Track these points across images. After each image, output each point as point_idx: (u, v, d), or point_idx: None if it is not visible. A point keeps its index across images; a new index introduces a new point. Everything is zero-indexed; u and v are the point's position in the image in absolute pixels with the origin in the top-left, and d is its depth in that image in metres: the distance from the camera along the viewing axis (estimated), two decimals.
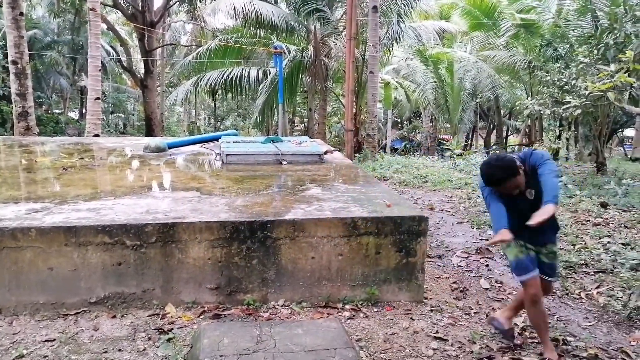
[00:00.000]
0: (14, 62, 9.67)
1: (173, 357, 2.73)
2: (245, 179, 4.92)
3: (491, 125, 25.41)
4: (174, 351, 2.79)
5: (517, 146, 20.62)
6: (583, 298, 3.84)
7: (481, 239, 5.36)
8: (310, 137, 9.06)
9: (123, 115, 31.48)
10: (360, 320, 3.31)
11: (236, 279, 3.43)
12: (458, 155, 12.16)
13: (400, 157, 13.09)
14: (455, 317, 3.42)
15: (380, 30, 13.12)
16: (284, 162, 5.77)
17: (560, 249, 4.92)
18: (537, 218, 2.57)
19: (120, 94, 28.88)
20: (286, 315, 3.31)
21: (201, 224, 3.34)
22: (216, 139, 7.27)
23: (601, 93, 6.03)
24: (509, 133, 28.50)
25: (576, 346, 3.05)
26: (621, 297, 3.77)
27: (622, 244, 5.03)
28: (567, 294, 3.92)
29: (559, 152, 16.65)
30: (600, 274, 4.28)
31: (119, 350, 2.81)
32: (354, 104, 12.64)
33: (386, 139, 26.18)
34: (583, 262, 4.53)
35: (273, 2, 15.82)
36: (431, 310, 3.51)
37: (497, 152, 17.57)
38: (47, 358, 2.70)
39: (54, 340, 2.88)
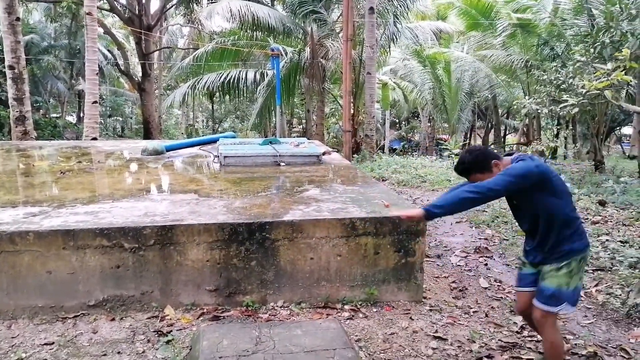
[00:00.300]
0: (11, 67, 9.67)
1: (172, 359, 2.72)
2: (243, 180, 4.92)
3: (489, 125, 25.44)
4: (173, 353, 2.79)
5: (515, 145, 20.64)
6: (582, 296, 3.84)
7: (480, 239, 5.36)
8: (308, 139, 9.07)
9: (121, 119, 31.45)
10: (359, 320, 3.31)
11: (235, 280, 3.43)
12: (456, 154, 12.15)
13: (398, 157, 13.11)
14: (454, 316, 3.42)
15: (377, 31, 13.13)
16: (282, 164, 5.77)
17: None
18: (400, 211, 2.70)
19: (118, 97, 28.86)
20: (285, 316, 3.31)
21: (199, 226, 3.34)
22: (214, 141, 7.28)
23: (598, 91, 6.03)
24: (507, 132, 28.55)
25: (575, 344, 3.06)
26: (620, 295, 3.77)
27: (621, 241, 5.04)
28: None
29: (557, 150, 16.69)
30: (599, 272, 4.29)
31: (118, 353, 2.81)
32: (352, 105, 12.65)
33: (384, 140, 26.19)
34: None
35: (269, 5, 15.84)
36: (430, 310, 3.51)
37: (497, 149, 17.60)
38: None
39: (53, 343, 2.88)
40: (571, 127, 15.53)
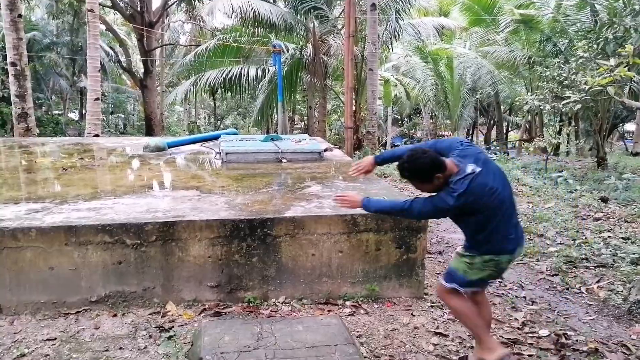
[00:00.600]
0: (13, 64, 9.68)
1: (174, 355, 2.73)
2: (245, 177, 4.92)
3: (491, 121, 25.38)
4: (175, 349, 2.80)
5: (517, 142, 20.59)
6: (583, 292, 3.85)
7: None
8: (310, 135, 9.06)
9: (123, 116, 31.48)
10: (360, 316, 3.31)
11: (236, 276, 3.44)
12: None
13: None
14: None
15: (379, 27, 13.10)
16: (284, 160, 5.77)
17: (561, 243, 4.93)
18: (343, 196, 2.73)
19: (120, 94, 28.87)
20: (287, 313, 3.32)
21: (201, 223, 3.35)
22: (216, 137, 7.27)
23: (601, 88, 6.01)
24: (510, 129, 28.46)
25: (577, 340, 3.06)
26: (621, 291, 3.77)
27: (623, 238, 5.03)
28: (567, 289, 3.92)
29: (559, 147, 16.65)
30: (601, 268, 4.28)
31: (120, 348, 2.82)
32: (354, 101, 12.63)
33: (386, 136, 26.16)
34: (583, 256, 4.53)
35: (271, 1, 15.79)
36: (432, 306, 3.51)
37: (499, 147, 17.56)
38: (48, 357, 2.71)
39: (55, 339, 2.89)
40: (574, 124, 15.45)
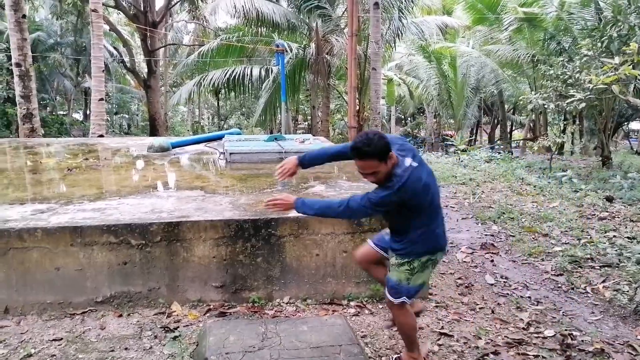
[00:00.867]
0: (18, 65, 9.71)
1: (179, 355, 2.74)
2: (249, 177, 4.93)
3: (495, 121, 25.31)
4: (180, 349, 2.80)
5: (521, 141, 20.52)
6: (589, 292, 3.83)
7: (486, 235, 5.35)
8: (313, 135, 9.06)
9: (127, 116, 31.58)
10: (365, 316, 3.32)
11: (241, 277, 3.44)
12: (462, 150, 12.12)
13: None
14: (460, 312, 3.42)
15: (382, 26, 13.07)
16: None
17: (565, 243, 4.91)
18: (274, 199, 2.57)
19: (124, 94, 28.95)
20: (291, 313, 3.32)
21: (206, 223, 3.35)
22: (220, 137, 7.29)
23: (605, 86, 5.98)
24: (514, 128, 28.39)
25: (582, 340, 3.05)
26: (627, 291, 3.75)
27: (628, 237, 5.01)
28: (572, 289, 3.91)
29: (563, 146, 16.58)
30: (606, 268, 4.26)
31: (126, 348, 2.83)
32: (357, 100, 12.62)
33: None
34: (589, 256, 4.52)
35: (274, 0, 15.78)
36: (436, 306, 3.51)
37: (502, 146, 17.49)
38: (54, 357, 2.73)
39: (62, 339, 2.91)
40: (578, 123, 15.41)
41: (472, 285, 3.96)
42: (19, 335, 2.95)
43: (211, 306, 3.35)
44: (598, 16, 11.01)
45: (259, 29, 15.34)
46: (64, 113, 26.63)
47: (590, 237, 5.03)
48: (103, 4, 13.15)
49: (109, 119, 24.49)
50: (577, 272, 4.23)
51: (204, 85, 15.83)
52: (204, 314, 3.26)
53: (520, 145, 20.49)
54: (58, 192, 4.35)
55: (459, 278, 4.10)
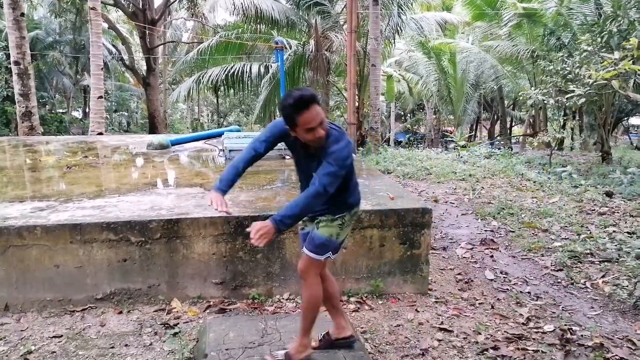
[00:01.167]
0: (17, 63, 9.70)
1: (179, 352, 2.75)
2: (248, 174, 4.89)
3: (495, 116, 25.28)
4: (180, 345, 2.81)
5: (521, 137, 20.51)
6: (588, 287, 3.83)
7: (486, 230, 5.35)
8: None
9: (126, 114, 31.55)
10: (365, 312, 3.32)
11: (241, 273, 3.45)
12: (462, 146, 12.11)
13: (403, 150, 13.06)
14: (460, 308, 3.42)
15: (381, 22, 13.04)
16: (287, 157, 5.77)
17: (565, 238, 4.91)
18: (252, 230, 2.24)
19: (123, 92, 28.93)
20: (291, 309, 3.32)
21: (205, 220, 3.36)
22: (219, 135, 7.28)
23: (605, 81, 5.97)
24: (513, 123, 28.36)
25: (582, 335, 3.05)
26: (627, 286, 3.75)
27: (628, 232, 5.01)
28: (572, 284, 3.91)
29: (563, 141, 16.56)
30: (606, 263, 4.26)
31: (126, 345, 2.83)
32: (357, 97, 12.60)
33: (389, 132, 26.11)
34: (588, 251, 4.52)
35: None
36: (436, 302, 3.51)
37: (502, 142, 17.44)
38: (54, 354, 2.73)
39: (62, 336, 2.91)
40: (578, 118, 15.39)
41: (472, 280, 3.96)
42: (19, 332, 2.95)
43: (211, 303, 3.36)
44: (598, 11, 10.98)
45: (258, 26, 15.31)
46: (63, 111, 26.60)
47: (590, 233, 5.03)
48: (102, 2, 13.12)
49: (108, 116, 24.45)
50: (576, 267, 4.23)
51: (203, 82, 15.81)
52: (204, 311, 3.26)
53: (520, 141, 20.49)
54: (57, 189, 4.35)
55: (459, 274, 4.10)
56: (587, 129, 16.32)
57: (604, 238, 4.81)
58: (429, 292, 3.65)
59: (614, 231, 5.05)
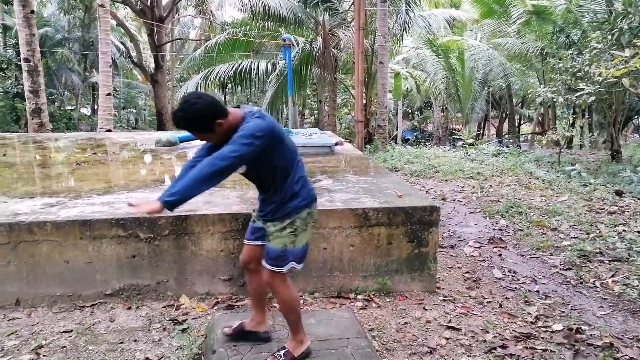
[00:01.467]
0: (27, 60, 9.78)
1: (188, 347, 2.76)
2: None
3: (503, 114, 25.13)
4: (189, 341, 2.82)
5: (530, 135, 20.37)
6: (598, 287, 3.81)
7: (494, 229, 5.32)
8: (320, 129, 9.05)
9: (134, 111, 31.73)
10: (372, 310, 3.32)
11: None
12: (470, 144, 12.05)
13: (411, 147, 13.02)
14: (468, 306, 3.41)
15: (389, 19, 13.00)
16: None
17: (574, 237, 4.88)
18: (134, 207, 2.13)
19: (131, 89, 29.08)
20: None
21: (213, 216, 3.37)
22: None
23: (615, 79, 5.93)
24: (522, 122, 28.17)
25: (591, 335, 3.03)
26: (637, 286, 3.72)
27: (638, 232, 4.96)
28: (581, 283, 3.88)
29: (572, 140, 16.43)
30: (616, 262, 4.23)
31: (135, 340, 2.86)
32: (364, 95, 12.58)
33: (397, 130, 26.04)
34: (598, 250, 4.48)
35: None
36: (444, 300, 3.50)
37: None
38: (65, 348, 2.76)
39: (72, 331, 2.94)
40: (587, 116, 15.25)
41: (480, 279, 3.95)
42: (30, 327, 2.98)
43: (219, 299, 3.37)
44: (608, 8, 10.87)
45: (266, 23, 15.32)
46: (72, 108, 26.80)
47: (600, 232, 4.99)
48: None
49: (116, 113, 24.62)
50: (586, 266, 4.20)
51: (211, 79, 15.84)
52: (212, 307, 3.28)
53: (528, 139, 20.34)
54: (67, 186, 4.38)
55: (467, 272, 4.09)
56: (596, 127, 16.18)
57: (614, 237, 4.77)
58: (436, 290, 3.64)
59: (623, 230, 5.01)
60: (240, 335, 2.72)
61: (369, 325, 3.09)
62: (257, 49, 16.98)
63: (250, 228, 2.61)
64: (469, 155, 10.62)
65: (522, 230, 5.21)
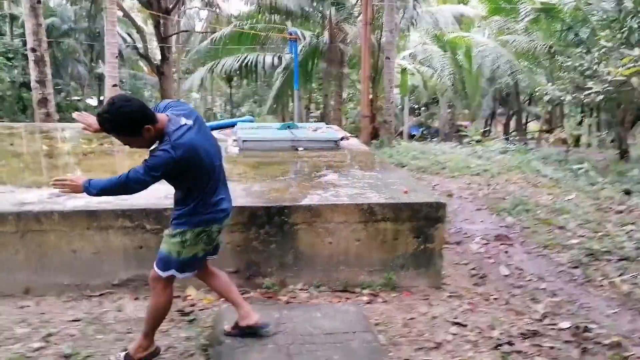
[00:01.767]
0: (33, 50, 9.77)
1: (195, 339, 2.77)
2: (261, 165, 4.93)
3: (510, 112, 24.96)
4: (196, 332, 2.83)
5: (537, 133, 20.27)
6: (605, 285, 3.78)
7: (500, 226, 5.30)
8: (326, 124, 9.03)
9: None
10: (378, 305, 3.31)
11: (255, 263, 3.46)
12: (477, 141, 11.99)
13: (417, 143, 12.97)
14: (474, 303, 3.40)
15: (396, 15, 12.92)
16: (300, 149, 5.76)
17: (582, 236, 4.85)
18: (66, 179, 2.29)
19: (137, 80, 29.05)
20: (305, 299, 3.33)
21: None
22: (232, 125, 7.29)
23: (624, 78, 5.87)
24: (529, 119, 27.98)
25: (599, 333, 3.01)
26: None
27: None
28: (588, 281, 3.86)
29: (580, 138, 16.33)
30: (624, 261, 4.20)
31: None
32: (370, 90, 12.53)
33: (403, 126, 25.94)
34: (605, 249, 4.45)
35: None
36: (450, 296, 3.49)
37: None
38: (74, 337, 2.77)
39: (80, 320, 2.96)
40: (595, 115, 15.13)
41: (486, 276, 3.93)
42: (39, 315, 3.00)
43: None
44: (618, 7, 10.75)
45: (272, 17, 15.28)
46: (78, 98, 26.81)
47: (607, 230, 4.96)
48: None
49: None
50: (593, 265, 4.17)
51: (217, 72, 15.86)
52: (219, 299, 3.27)
53: (535, 137, 20.24)
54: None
55: (473, 269, 4.08)
56: (604, 126, 16.05)
57: (622, 236, 4.73)
58: (442, 286, 3.63)
59: (632, 230, 4.97)
60: (238, 332, 2.71)
61: (375, 319, 3.09)
62: (263, 42, 16.92)
63: None
64: (476, 152, 10.57)
65: (528, 227, 5.18)
